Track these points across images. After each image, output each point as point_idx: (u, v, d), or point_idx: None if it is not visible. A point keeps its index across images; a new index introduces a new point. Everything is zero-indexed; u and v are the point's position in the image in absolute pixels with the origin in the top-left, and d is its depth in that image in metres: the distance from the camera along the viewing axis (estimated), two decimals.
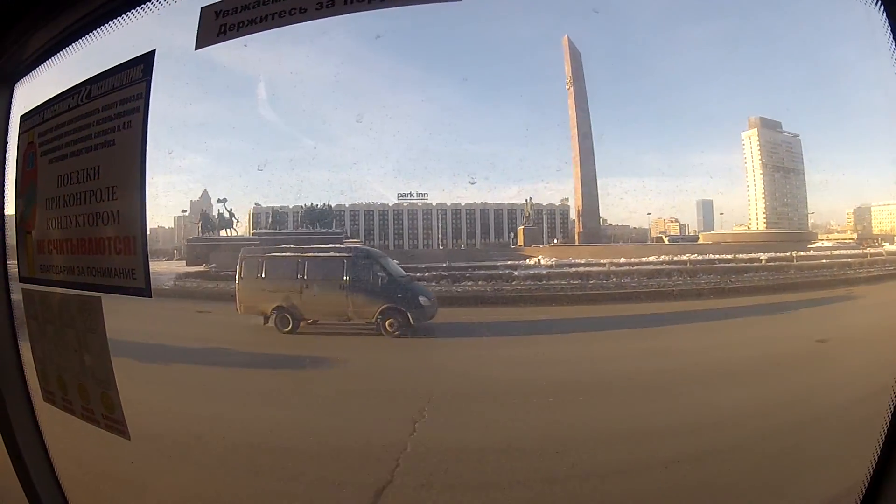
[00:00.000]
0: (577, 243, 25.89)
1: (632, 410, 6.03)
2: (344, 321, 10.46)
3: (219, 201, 24.40)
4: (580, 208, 26.78)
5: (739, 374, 7.27)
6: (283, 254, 11.59)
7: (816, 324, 10.65)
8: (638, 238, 28.74)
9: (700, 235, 26.53)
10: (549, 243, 27.20)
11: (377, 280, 10.68)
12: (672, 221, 29.49)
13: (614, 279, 16.97)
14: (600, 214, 27.74)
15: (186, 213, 26.88)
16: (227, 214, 23.46)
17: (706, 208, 28.70)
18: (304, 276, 10.68)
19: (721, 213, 28.65)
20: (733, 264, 17.63)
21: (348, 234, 27.05)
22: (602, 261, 18.26)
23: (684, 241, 25.97)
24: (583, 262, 18.71)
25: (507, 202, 31.16)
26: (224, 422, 5.48)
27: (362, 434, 5.39)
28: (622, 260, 18.35)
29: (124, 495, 3.27)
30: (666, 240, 26.99)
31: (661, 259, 18.42)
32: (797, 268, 17.24)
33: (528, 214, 28.76)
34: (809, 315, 11.64)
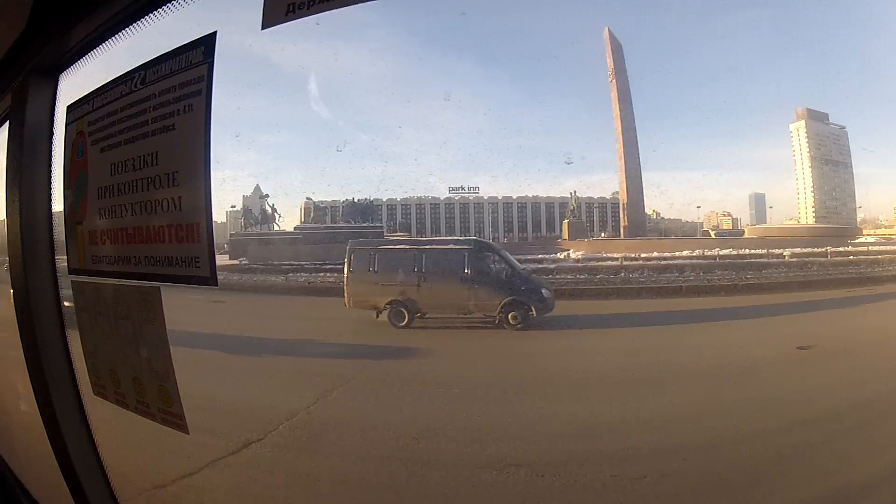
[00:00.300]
0: (622, 237, 25.88)
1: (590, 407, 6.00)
2: (464, 314, 10.27)
3: (261, 197, 24.79)
4: (625, 202, 26.74)
5: (693, 376, 7.11)
6: (398, 246, 11.45)
7: (806, 327, 10.12)
8: (689, 232, 28.43)
9: (745, 230, 26.27)
10: (598, 237, 27.13)
11: (500, 272, 10.52)
12: (725, 215, 29.06)
13: (623, 273, 16.86)
14: (650, 208, 27.82)
15: (236, 208, 27.22)
16: (269, 210, 23.91)
17: (759, 202, 28.39)
18: (421, 269, 10.40)
19: (770, 207, 28.38)
20: (763, 259, 17.33)
21: (396, 228, 27.37)
22: (615, 255, 18.13)
23: (731, 235, 25.77)
24: (601, 256, 18.68)
25: (558, 195, 31.01)
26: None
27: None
28: (653, 254, 18.26)
29: (174, 490, 3.25)
30: (713, 234, 26.77)
31: (687, 254, 18.26)
32: (821, 264, 16.92)
33: (572, 208, 28.80)
34: (801, 317, 11.09)
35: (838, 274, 15.74)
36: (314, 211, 26.16)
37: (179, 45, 1.70)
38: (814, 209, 26.08)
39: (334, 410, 5.97)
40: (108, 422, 2.10)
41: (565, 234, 26.27)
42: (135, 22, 1.93)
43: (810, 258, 17.27)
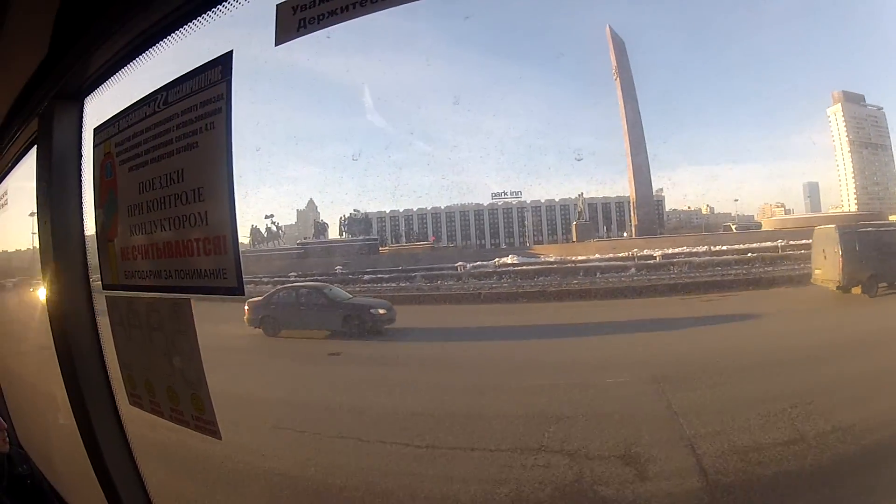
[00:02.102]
0: (633, 236, 25.68)
1: None
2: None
3: (266, 217, 26.60)
4: (634, 200, 26.39)
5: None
6: (867, 229, 13.99)
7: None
8: (742, 227, 27.68)
9: (763, 222, 25.84)
10: (619, 236, 26.86)
11: None
12: (778, 206, 28.32)
13: (555, 277, 17.15)
14: (703, 204, 27.58)
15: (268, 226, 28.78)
16: (274, 228, 26.01)
17: (813, 191, 27.70)
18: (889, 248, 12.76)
19: (808, 197, 27.77)
20: (732, 256, 17.43)
21: (401, 238, 28.34)
22: (570, 258, 18.51)
23: (752, 228, 25.41)
24: (526, 261, 19.27)
25: (614, 195, 30.64)
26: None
27: None
28: (577, 257, 18.66)
29: (212, 495, 3.33)
30: (734, 228, 26.37)
31: (598, 256, 18.44)
32: (781, 258, 16.76)
33: (580, 210, 28.87)
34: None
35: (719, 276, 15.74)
36: (314, 226, 27.55)
37: (201, 63, 1.77)
38: (856, 195, 25.31)
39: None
40: (144, 431, 2.17)
41: (574, 236, 26.22)
42: (154, 45, 2.00)
43: (748, 255, 17.07)
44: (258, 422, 5.38)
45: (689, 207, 30.96)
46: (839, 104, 24.89)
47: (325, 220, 27.81)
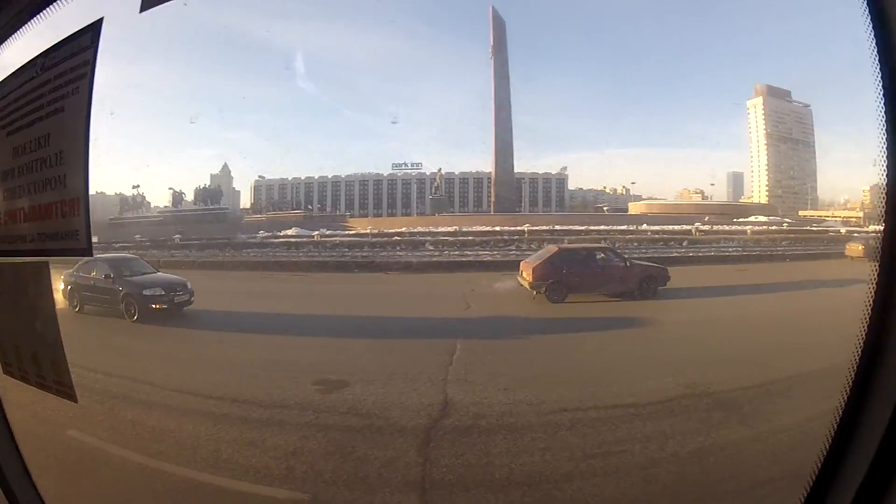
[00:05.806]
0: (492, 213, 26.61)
1: None
2: None
3: (133, 187, 27.72)
4: (494, 178, 27.10)
5: None
6: None
7: None
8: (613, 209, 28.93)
9: (629, 206, 27.16)
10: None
11: None
12: (696, 193, 29.08)
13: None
14: (619, 185, 28.40)
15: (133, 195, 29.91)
16: (139, 198, 27.41)
17: (737, 180, 28.42)
18: None
19: (712, 184, 28.56)
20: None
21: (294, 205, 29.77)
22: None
23: (618, 212, 26.77)
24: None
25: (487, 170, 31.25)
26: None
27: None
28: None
29: (78, 455, 3.29)
30: (605, 210, 27.71)
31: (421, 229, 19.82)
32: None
33: (437, 184, 29.90)
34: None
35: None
36: (172, 196, 29.07)
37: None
38: (767, 187, 26.16)
39: None
40: (18, 398, 2.14)
41: (428, 210, 27.27)
42: (40, 12, 2.02)
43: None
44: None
45: (604, 188, 32.07)
46: (761, 97, 25.70)
47: (181, 190, 28.98)
